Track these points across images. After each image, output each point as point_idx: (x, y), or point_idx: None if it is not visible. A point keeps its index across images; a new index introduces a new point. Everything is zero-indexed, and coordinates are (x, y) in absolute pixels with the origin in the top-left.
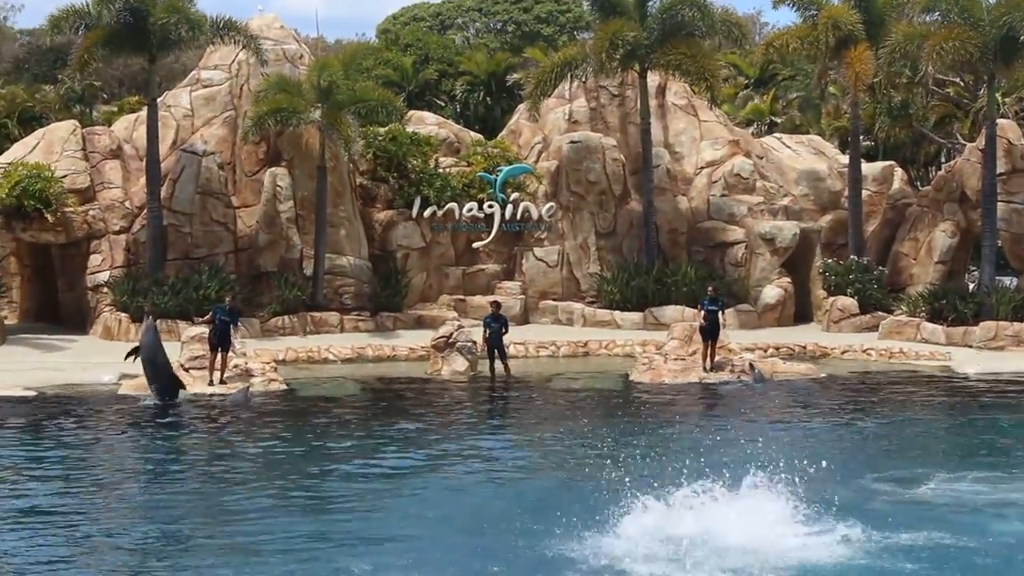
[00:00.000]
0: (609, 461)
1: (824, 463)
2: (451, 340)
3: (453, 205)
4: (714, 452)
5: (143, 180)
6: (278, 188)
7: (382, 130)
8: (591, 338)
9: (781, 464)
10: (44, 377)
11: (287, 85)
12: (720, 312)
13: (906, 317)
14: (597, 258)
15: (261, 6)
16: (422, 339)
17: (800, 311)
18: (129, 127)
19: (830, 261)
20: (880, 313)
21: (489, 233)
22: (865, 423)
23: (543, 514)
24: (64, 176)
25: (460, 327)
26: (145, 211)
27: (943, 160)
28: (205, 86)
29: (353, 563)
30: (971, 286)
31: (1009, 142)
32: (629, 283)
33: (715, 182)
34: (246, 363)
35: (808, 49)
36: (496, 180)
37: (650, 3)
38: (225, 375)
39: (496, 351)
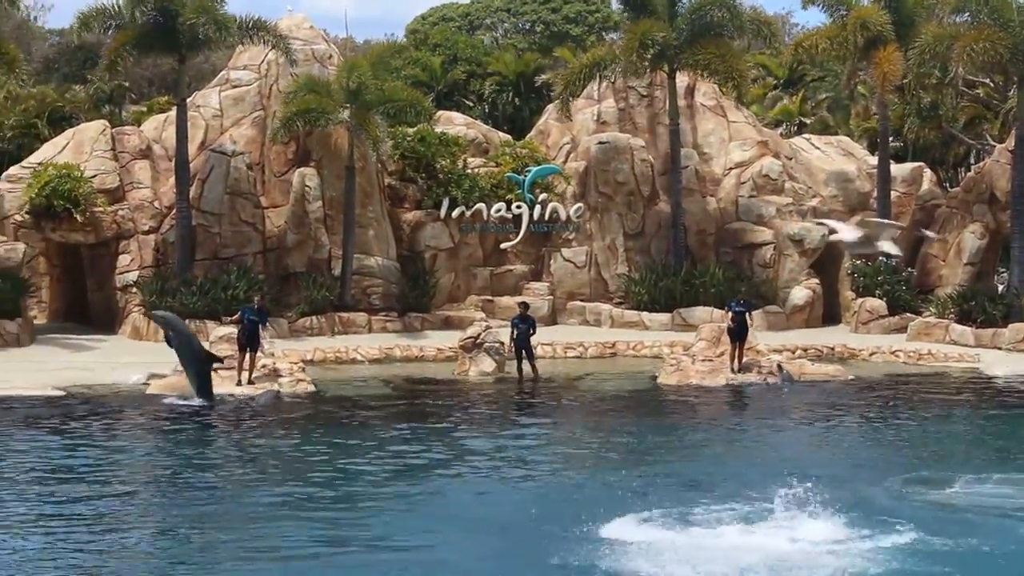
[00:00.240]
0: (634, 464)
1: (851, 466)
2: (479, 341)
3: (481, 206)
4: (739, 456)
5: (172, 180)
6: (307, 188)
7: (411, 130)
8: (619, 339)
9: (807, 469)
10: (72, 377)
11: (316, 85)
12: (748, 313)
13: (935, 319)
14: (625, 259)
15: (290, 6)
16: (450, 340)
17: (828, 312)
18: (158, 127)
19: (858, 262)
20: (908, 315)
21: (517, 234)
22: (893, 425)
23: (568, 517)
24: (93, 176)
25: (488, 328)
26: (174, 211)
27: (972, 161)
28: (234, 86)
29: (379, 564)
30: (1000, 288)
31: None
32: (657, 284)
33: (743, 183)
34: (274, 363)
35: (837, 50)
36: (524, 181)
37: (680, 3)
38: (253, 375)
39: (524, 352)
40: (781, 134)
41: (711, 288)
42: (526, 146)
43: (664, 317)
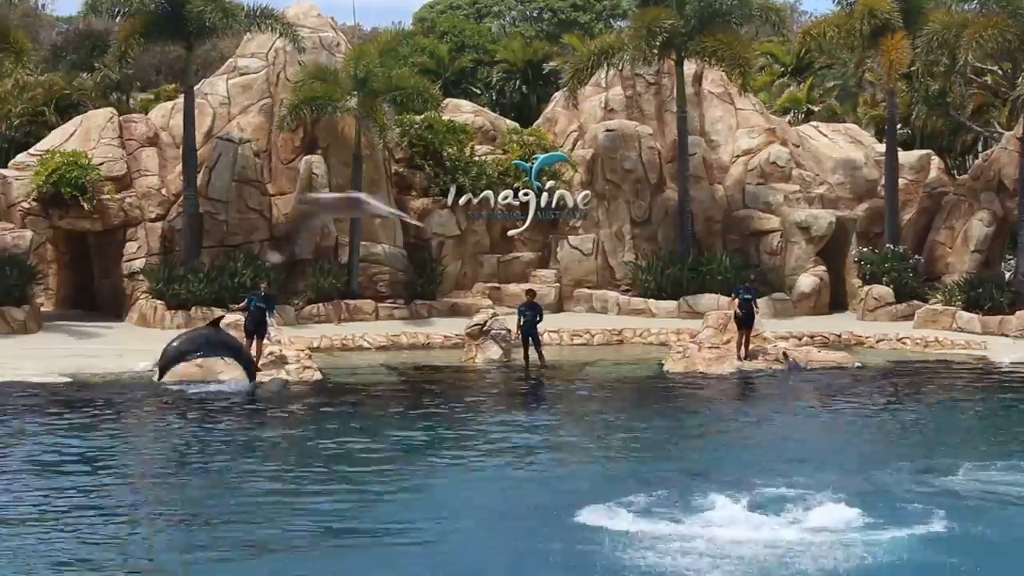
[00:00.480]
0: (640, 452)
1: (856, 454)
2: (485, 328)
3: (488, 193)
4: (744, 444)
5: (179, 168)
6: (314, 176)
7: (418, 118)
8: (625, 326)
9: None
10: (79, 364)
11: (323, 73)
12: (753, 300)
13: (942, 306)
14: (632, 246)
15: None
16: (456, 327)
17: (835, 300)
18: (166, 115)
19: (866, 250)
20: (916, 302)
21: (524, 221)
22: (899, 413)
23: (573, 505)
24: (101, 164)
25: (495, 315)
26: (181, 199)
27: (980, 149)
28: (242, 74)
29: (383, 551)
30: (1007, 275)
31: None
32: (664, 271)
33: (751, 170)
34: (280, 350)
35: (845, 38)
36: (532, 168)
37: None
38: (260, 363)
39: (530, 339)
40: (789, 122)
41: (718, 276)
42: (533, 133)
43: (671, 305)
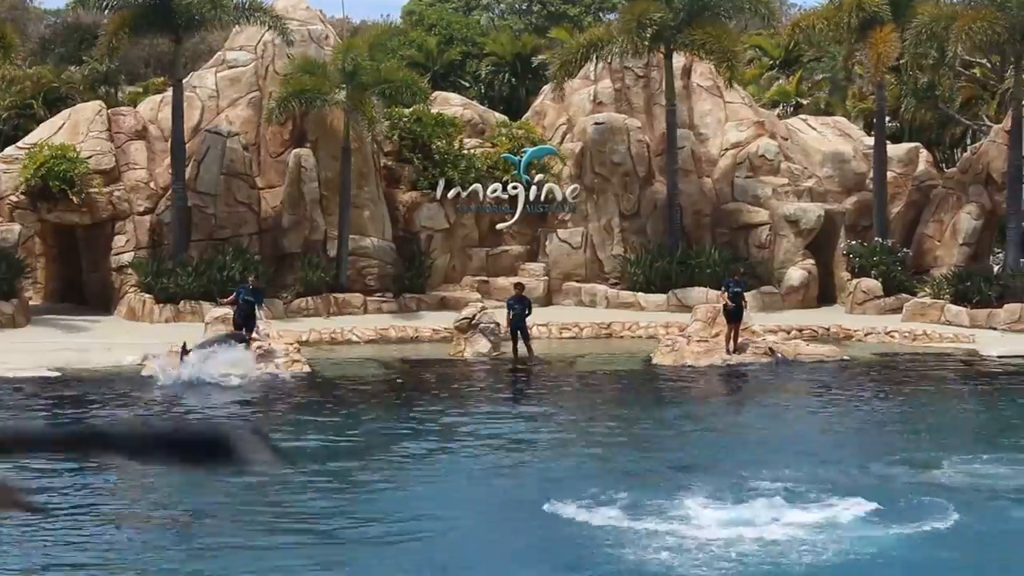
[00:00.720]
0: (627, 445)
1: (843, 447)
2: (474, 321)
3: (477, 186)
4: (731, 437)
5: (168, 161)
6: (303, 169)
7: (407, 111)
8: (614, 320)
9: (799, 450)
10: (68, 358)
11: (312, 66)
12: (742, 294)
13: (930, 299)
14: (621, 240)
15: None
16: (445, 321)
17: (824, 293)
18: (154, 108)
19: (854, 243)
20: (904, 295)
21: (513, 214)
22: (886, 406)
23: (561, 498)
24: (89, 157)
25: (483, 309)
26: (170, 192)
27: (969, 142)
28: (231, 67)
29: (371, 544)
30: (996, 268)
31: None
32: (653, 265)
33: (740, 164)
34: (269, 344)
35: (834, 30)
36: (520, 161)
37: None
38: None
39: (519, 333)
40: (777, 115)
41: (707, 269)
42: (522, 127)
43: (660, 298)
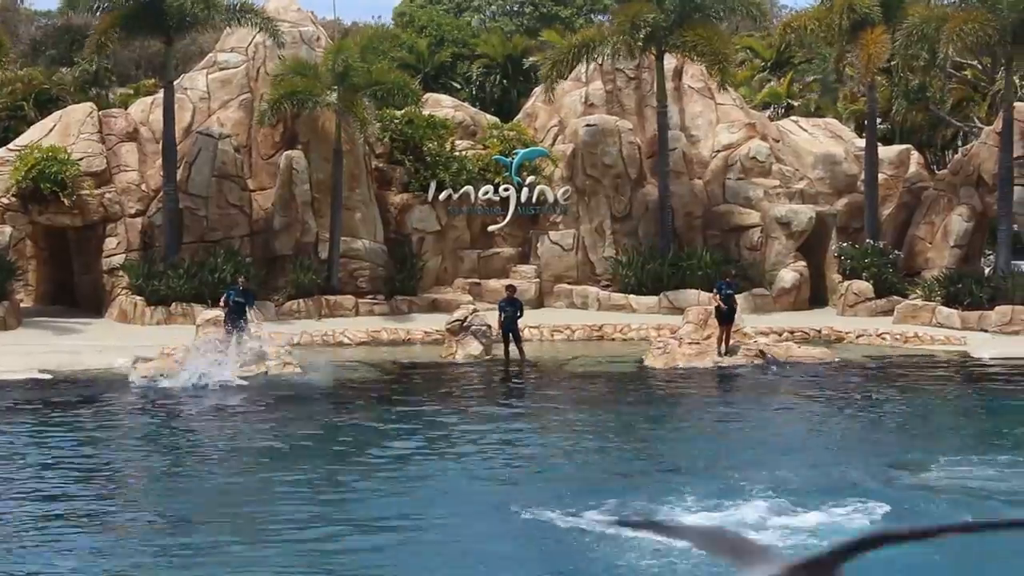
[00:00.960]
0: (618, 448)
1: (834, 449)
2: (466, 324)
3: (469, 188)
4: (722, 440)
5: (159, 163)
6: (294, 171)
7: (398, 113)
8: (606, 322)
9: (790, 452)
10: (59, 360)
11: (303, 68)
12: (734, 296)
13: (921, 301)
14: (612, 242)
15: None
16: (437, 323)
17: (815, 295)
18: (145, 110)
19: (846, 245)
20: (895, 297)
21: (505, 216)
22: (877, 408)
23: (555, 500)
24: (80, 159)
25: (475, 311)
26: (161, 194)
27: (960, 144)
28: (222, 69)
29: (368, 546)
30: (987, 270)
31: None
32: (644, 267)
33: (731, 165)
34: (261, 346)
35: (825, 32)
36: (512, 163)
37: None
38: (240, 359)
39: (511, 335)
40: (769, 116)
41: (698, 271)
42: (514, 128)
43: (651, 300)
